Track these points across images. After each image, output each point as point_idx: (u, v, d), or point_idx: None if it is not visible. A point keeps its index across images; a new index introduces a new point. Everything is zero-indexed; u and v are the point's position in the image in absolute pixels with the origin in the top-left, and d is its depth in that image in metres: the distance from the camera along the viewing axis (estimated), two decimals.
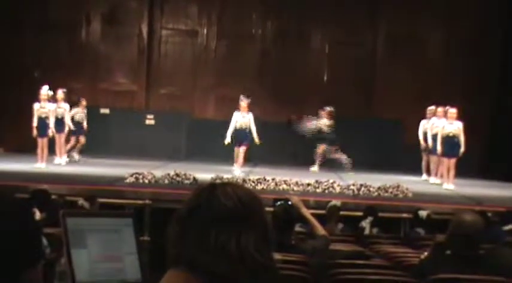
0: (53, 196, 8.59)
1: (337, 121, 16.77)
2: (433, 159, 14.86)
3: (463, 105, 14.82)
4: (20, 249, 1.89)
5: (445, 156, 14.02)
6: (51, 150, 14.69)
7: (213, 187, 1.95)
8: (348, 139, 18.08)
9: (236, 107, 14.57)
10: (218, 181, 2.31)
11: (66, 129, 14.81)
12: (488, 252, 5.38)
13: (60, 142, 14.79)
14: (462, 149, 13.86)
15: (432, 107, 15.08)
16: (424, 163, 15.43)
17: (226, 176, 12.91)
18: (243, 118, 14.30)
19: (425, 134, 14.84)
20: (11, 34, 18.13)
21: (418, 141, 15.14)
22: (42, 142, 14.28)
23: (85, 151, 16.49)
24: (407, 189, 12.32)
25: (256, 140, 14.32)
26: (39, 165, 13.90)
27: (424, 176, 15.33)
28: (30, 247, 1.91)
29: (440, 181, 14.24)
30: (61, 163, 14.69)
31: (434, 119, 14.70)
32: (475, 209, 8.91)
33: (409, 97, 17.94)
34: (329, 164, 16.27)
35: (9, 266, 1.88)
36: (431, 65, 18.46)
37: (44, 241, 4.93)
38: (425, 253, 5.01)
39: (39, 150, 14.21)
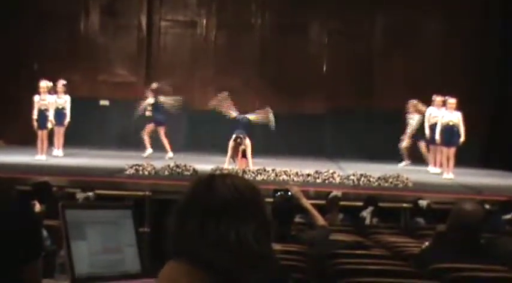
0: (53, 188, 8.60)
1: (334, 111, 16.78)
2: (432, 149, 14.83)
3: (463, 95, 14.79)
4: (19, 246, 1.89)
5: (444, 146, 14.01)
6: (52, 142, 14.70)
7: (212, 179, 1.95)
8: (347, 129, 18.12)
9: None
10: (218, 172, 2.31)
11: (67, 121, 14.78)
12: (488, 241, 5.39)
13: (59, 134, 14.77)
14: (462, 139, 13.86)
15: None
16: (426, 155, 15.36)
17: (226, 167, 12.92)
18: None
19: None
20: (10, 26, 18.09)
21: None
22: (42, 135, 14.28)
23: (85, 143, 16.49)
24: (407, 178, 12.32)
25: (250, 164, 13.77)
26: (39, 157, 13.89)
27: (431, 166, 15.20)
28: (29, 244, 1.92)
29: (440, 171, 14.23)
30: (59, 155, 14.67)
31: (431, 108, 14.66)
32: (475, 198, 8.94)
33: (408, 87, 17.91)
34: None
35: (9, 262, 1.88)
36: (430, 56, 18.43)
37: (44, 233, 4.94)
38: (427, 243, 5.02)
39: (39, 143, 14.20)
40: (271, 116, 15.09)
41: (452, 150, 13.88)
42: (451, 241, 4.49)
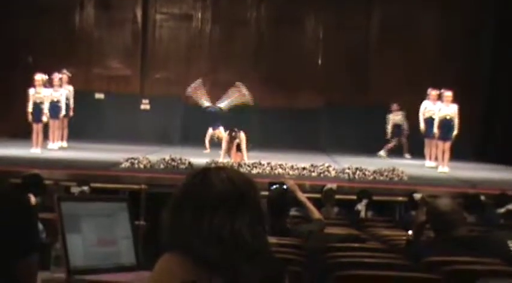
0: (48, 182, 8.58)
1: (329, 105, 16.83)
2: (427, 142, 14.82)
3: (457, 88, 14.79)
4: (17, 240, 1.89)
5: (440, 139, 14.02)
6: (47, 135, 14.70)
7: (207, 172, 1.95)
8: (343, 123, 18.11)
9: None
10: (213, 165, 2.31)
11: (61, 114, 14.77)
12: (483, 234, 5.41)
13: (53, 127, 14.76)
14: (455, 132, 13.87)
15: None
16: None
17: (221, 161, 12.92)
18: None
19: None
20: (4, 18, 18.02)
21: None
22: (37, 128, 14.26)
23: (80, 136, 16.45)
24: (402, 172, 12.33)
25: (245, 158, 13.55)
26: (34, 151, 13.87)
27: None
28: (27, 237, 1.91)
29: (435, 165, 14.25)
30: (54, 149, 14.66)
31: (426, 102, 14.65)
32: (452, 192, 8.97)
33: (404, 81, 17.93)
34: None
35: (7, 256, 1.88)
36: (426, 50, 18.43)
37: (40, 226, 4.94)
38: (410, 233, 5.04)
39: (34, 136, 14.18)
40: (245, 93, 15.26)
41: (447, 144, 13.90)
42: (436, 236, 4.55)
